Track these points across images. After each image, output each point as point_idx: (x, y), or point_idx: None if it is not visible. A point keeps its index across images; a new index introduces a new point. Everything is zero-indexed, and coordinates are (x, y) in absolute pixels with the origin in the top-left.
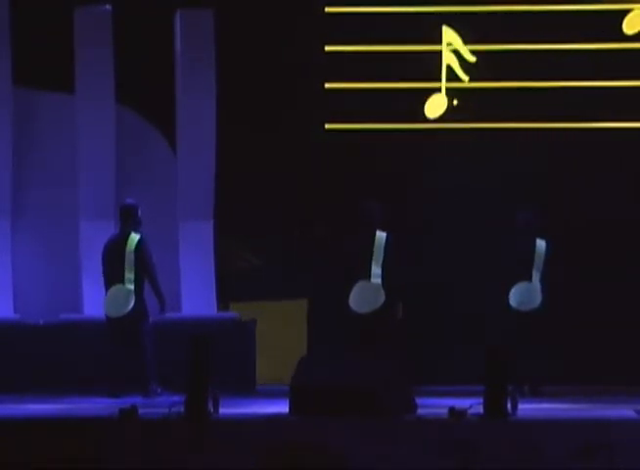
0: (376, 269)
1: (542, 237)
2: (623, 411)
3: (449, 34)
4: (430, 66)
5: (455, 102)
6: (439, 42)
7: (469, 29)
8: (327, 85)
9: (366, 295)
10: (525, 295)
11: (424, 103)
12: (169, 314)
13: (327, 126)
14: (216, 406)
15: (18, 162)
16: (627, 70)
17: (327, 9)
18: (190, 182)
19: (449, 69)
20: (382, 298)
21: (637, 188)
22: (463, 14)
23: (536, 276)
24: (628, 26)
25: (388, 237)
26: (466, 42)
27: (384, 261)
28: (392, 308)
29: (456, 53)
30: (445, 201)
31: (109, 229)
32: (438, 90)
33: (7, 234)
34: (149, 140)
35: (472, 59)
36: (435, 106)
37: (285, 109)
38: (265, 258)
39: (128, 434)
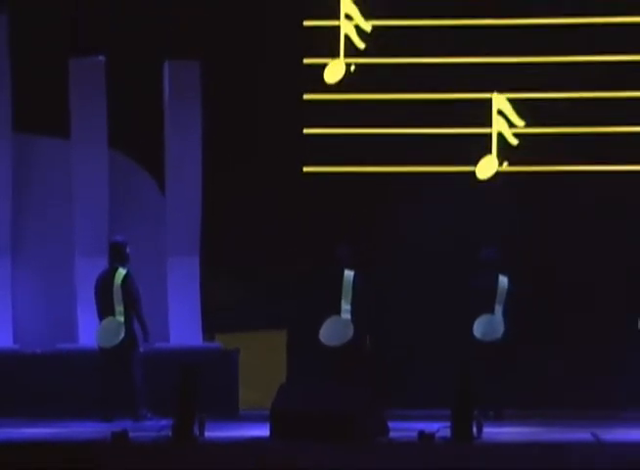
0: (345, 305)
1: (504, 273)
2: (580, 434)
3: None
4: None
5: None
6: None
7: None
8: (305, 131)
9: (336, 329)
10: (488, 326)
11: (397, 147)
12: (158, 344)
13: (305, 169)
14: (202, 430)
15: (17, 201)
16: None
17: (305, 60)
18: (177, 220)
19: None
20: (351, 332)
21: (595, 229)
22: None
23: (499, 309)
24: None
25: (355, 276)
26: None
27: (352, 298)
28: (361, 341)
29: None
30: (415, 239)
31: (102, 264)
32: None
33: (7, 269)
34: (139, 181)
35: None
36: (486, 167)
37: (266, 151)
38: (249, 291)
39: (120, 456)
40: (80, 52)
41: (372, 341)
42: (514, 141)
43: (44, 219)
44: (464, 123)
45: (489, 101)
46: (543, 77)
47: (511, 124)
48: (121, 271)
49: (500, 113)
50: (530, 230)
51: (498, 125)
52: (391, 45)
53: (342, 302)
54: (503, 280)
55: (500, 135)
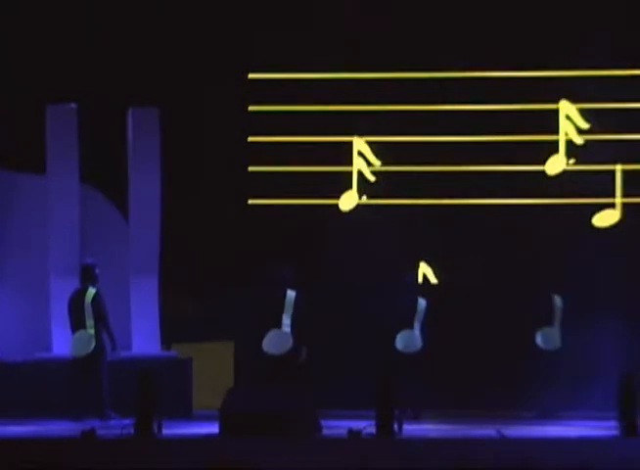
0: (286, 320)
1: (423, 296)
2: (487, 431)
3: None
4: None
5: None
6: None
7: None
8: (250, 168)
9: (278, 340)
10: (408, 340)
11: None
12: (122, 353)
13: (250, 201)
14: (160, 428)
15: (1, 229)
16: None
17: (250, 107)
18: (139, 244)
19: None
20: (290, 343)
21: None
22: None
23: (417, 326)
24: None
25: (297, 295)
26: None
27: (293, 314)
28: (299, 351)
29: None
30: (349, 263)
31: (74, 284)
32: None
33: None
34: (106, 211)
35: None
36: (348, 200)
37: (216, 185)
38: (201, 307)
39: (88, 451)
40: (55, 99)
41: (308, 351)
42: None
43: (23, 244)
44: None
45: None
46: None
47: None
48: (91, 290)
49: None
50: (448, 255)
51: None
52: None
53: (284, 316)
54: (422, 302)
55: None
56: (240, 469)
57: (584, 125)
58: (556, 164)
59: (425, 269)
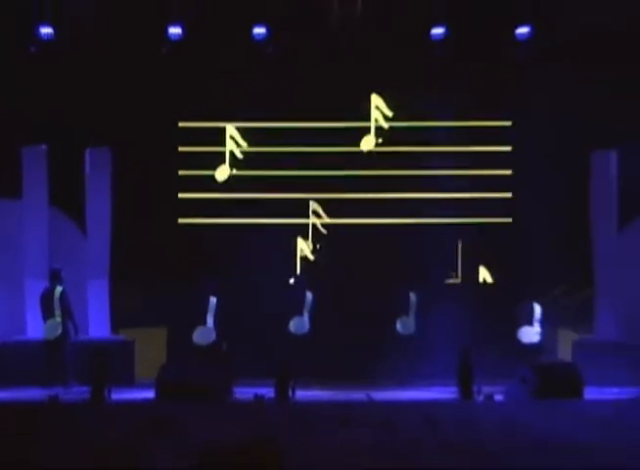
0: (209, 319)
1: (310, 291)
2: (359, 395)
3: None
4: None
5: None
6: None
7: None
8: (179, 195)
9: (204, 334)
10: (298, 325)
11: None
12: (81, 336)
13: (180, 220)
14: (109, 394)
15: None
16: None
17: (180, 148)
18: (94, 253)
19: None
20: (213, 336)
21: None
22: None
23: (305, 314)
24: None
25: (217, 300)
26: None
27: (215, 314)
28: (220, 341)
29: None
30: (256, 270)
31: (44, 283)
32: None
33: None
34: (69, 227)
35: None
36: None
37: (154, 208)
38: (142, 301)
39: (53, 412)
40: (28, 141)
41: (227, 341)
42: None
43: (4, 252)
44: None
45: None
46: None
47: None
48: (59, 288)
49: None
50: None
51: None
52: None
53: (208, 316)
54: (309, 295)
55: None
56: (171, 426)
57: None
58: None
59: (314, 271)
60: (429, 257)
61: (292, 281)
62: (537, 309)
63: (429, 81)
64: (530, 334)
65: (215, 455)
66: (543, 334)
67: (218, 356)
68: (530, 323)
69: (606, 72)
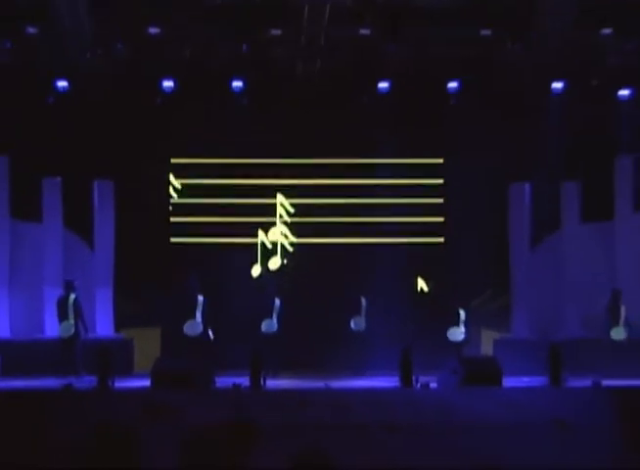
0: (198, 313)
1: (278, 297)
2: (319, 384)
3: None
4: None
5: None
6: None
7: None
8: (172, 219)
9: (192, 327)
10: (269, 325)
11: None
12: (90, 335)
13: (172, 240)
14: (113, 382)
15: (14, 259)
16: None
17: (172, 180)
18: (100, 266)
19: None
20: (200, 328)
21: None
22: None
23: (275, 316)
24: None
25: (204, 299)
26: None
27: (201, 310)
28: (207, 333)
29: None
30: (233, 281)
31: (59, 291)
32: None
33: (6, 292)
34: (80, 245)
35: None
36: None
37: (150, 228)
38: (141, 305)
39: (67, 398)
40: (48, 174)
41: (213, 333)
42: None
43: (31, 268)
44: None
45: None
46: None
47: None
48: (72, 296)
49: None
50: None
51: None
52: None
53: (196, 311)
54: (277, 300)
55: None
56: (168, 412)
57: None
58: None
59: (282, 281)
60: (377, 269)
61: (262, 281)
62: (462, 314)
63: (377, 126)
64: (456, 333)
65: (200, 436)
66: (467, 333)
67: (204, 347)
68: (457, 325)
69: (521, 121)
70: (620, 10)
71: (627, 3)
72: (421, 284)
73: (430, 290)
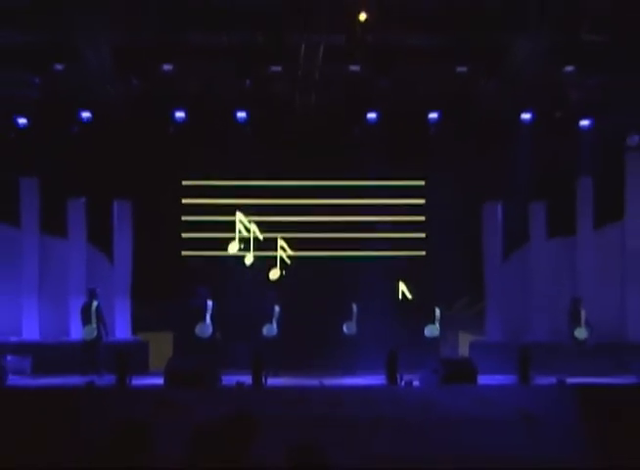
0: (207, 317)
1: (278, 304)
2: (313, 382)
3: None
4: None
5: None
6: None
7: None
8: (183, 235)
9: (203, 329)
10: (270, 329)
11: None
12: (110, 338)
13: (183, 253)
14: (130, 381)
15: (43, 274)
16: None
17: (183, 200)
18: (119, 278)
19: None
20: (210, 330)
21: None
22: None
23: (274, 322)
24: None
25: (212, 304)
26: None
27: (210, 315)
28: (216, 335)
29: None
30: (239, 290)
31: (82, 299)
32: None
33: (35, 302)
34: (101, 259)
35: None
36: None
37: (163, 243)
38: (155, 311)
39: (90, 394)
40: (73, 195)
41: (222, 335)
42: None
43: (57, 279)
44: None
45: None
46: None
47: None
48: (95, 303)
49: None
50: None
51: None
52: None
53: (207, 315)
54: (276, 307)
55: None
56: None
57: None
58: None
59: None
60: (366, 278)
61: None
62: (437, 312)
63: (366, 152)
64: (432, 330)
65: (207, 429)
66: (441, 330)
67: (211, 348)
68: (433, 323)
69: (494, 147)
70: (582, 50)
71: (587, 44)
72: (404, 291)
73: (412, 297)
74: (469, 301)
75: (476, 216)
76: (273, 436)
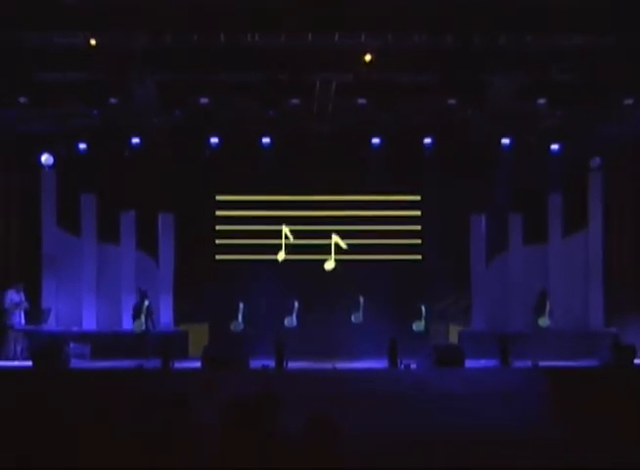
0: (239, 314)
1: (297, 299)
2: (327, 366)
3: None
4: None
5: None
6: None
7: None
8: (216, 241)
9: (236, 324)
10: (290, 321)
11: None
12: (156, 329)
13: (217, 257)
14: (173, 364)
15: (101, 270)
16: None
17: (217, 212)
18: (163, 278)
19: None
20: (242, 326)
21: None
22: None
23: (294, 314)
24: None
25: (244, 305)
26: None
27: (242, 311)
28: (247, 329)
29: None
30: (266, 289)
31: (133, 297)
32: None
33: (94, 299)
34: (148, 263)
35: None
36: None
37: (200, 248)
38: (194, 306)
39: (139, 376)
40: (125, 208)
41: (251, 329)
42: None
43: (112, 279)
44: None
45: None
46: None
47: None
48: (145, 301)
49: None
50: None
51: None
52: None
53: (239, 314)
54: (296, 302)
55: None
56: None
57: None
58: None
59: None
60: (371, 278)
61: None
62: (423, 310)
63: (371, 171)
64: (419, 325)
65: (237, 404)
66: (426, 326)
67: (242, 337)
68: (420, 319)
69: (479, 167)
70: (552, 86)
71: (557, 82)
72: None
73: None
74: (457, 297)
75: (464, 226)
76: (293, 410)
